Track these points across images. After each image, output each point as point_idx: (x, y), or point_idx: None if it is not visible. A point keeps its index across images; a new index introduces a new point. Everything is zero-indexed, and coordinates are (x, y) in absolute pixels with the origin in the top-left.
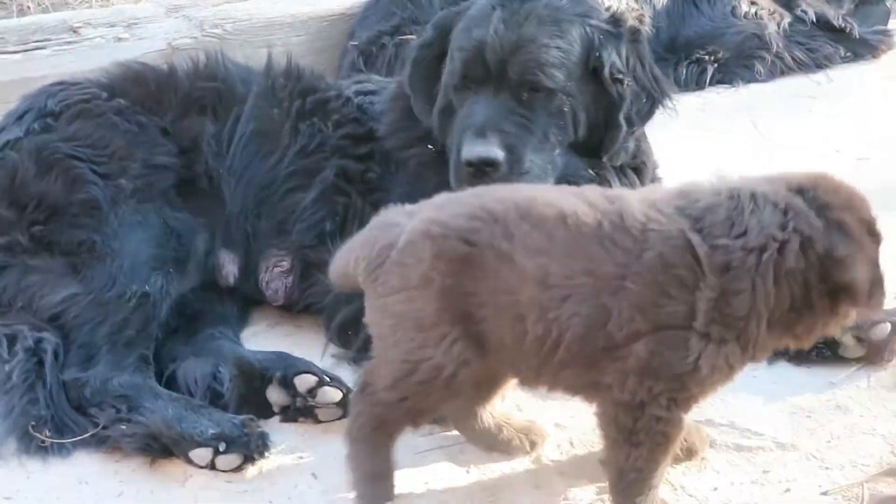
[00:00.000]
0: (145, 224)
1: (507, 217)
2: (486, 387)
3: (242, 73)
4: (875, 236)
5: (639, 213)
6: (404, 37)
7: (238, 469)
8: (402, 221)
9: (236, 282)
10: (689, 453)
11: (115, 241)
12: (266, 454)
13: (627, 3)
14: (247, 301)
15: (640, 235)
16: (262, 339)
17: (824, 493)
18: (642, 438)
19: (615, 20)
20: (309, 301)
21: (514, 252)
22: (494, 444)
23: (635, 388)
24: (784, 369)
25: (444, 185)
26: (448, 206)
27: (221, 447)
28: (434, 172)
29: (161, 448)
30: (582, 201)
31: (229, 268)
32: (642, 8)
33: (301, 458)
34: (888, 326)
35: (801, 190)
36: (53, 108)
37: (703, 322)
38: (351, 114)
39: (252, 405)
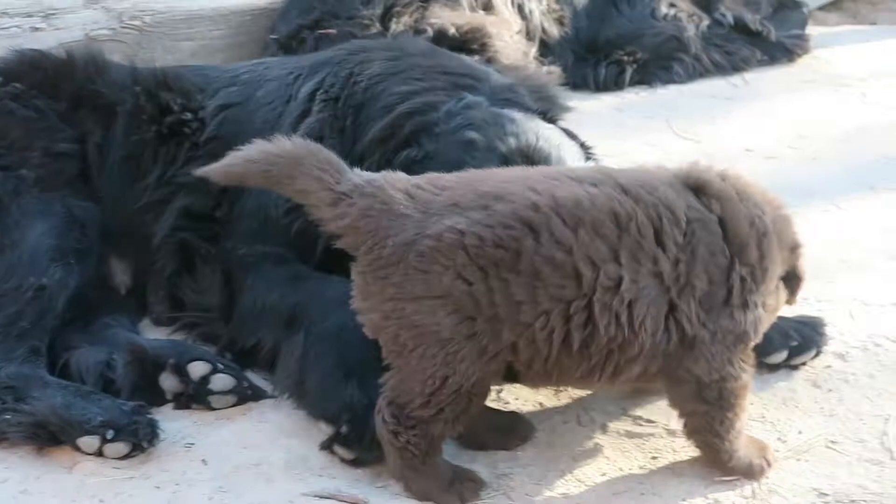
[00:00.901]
0: (48, 214)
1: (553, 225)
2: None
3: (123, 78)
4: None
5: (678, 202)
6: (324, 31)
7: (126, 456)
8: (412, 215)
9: (128, 291)
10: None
11: (15, 233)
12: (155, 442)
13: (548, 5)
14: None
15: (687, 228)
16: (163, 330)
17: (711, 484)
18: (731, 399)
19: None
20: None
21: (571, 260)
22: (486, 440)
23: (719, 365)
24: None
25: None
26: (474, 211)
27: (109, 435)
28: None
29: (49, 436)
30: (617, 192)
31: (121, 277)
32: (563, 9)
33: (192, 444)
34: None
35: None
36: None
37: (739, 298)
38: (203, 141)
39: (145, 392)
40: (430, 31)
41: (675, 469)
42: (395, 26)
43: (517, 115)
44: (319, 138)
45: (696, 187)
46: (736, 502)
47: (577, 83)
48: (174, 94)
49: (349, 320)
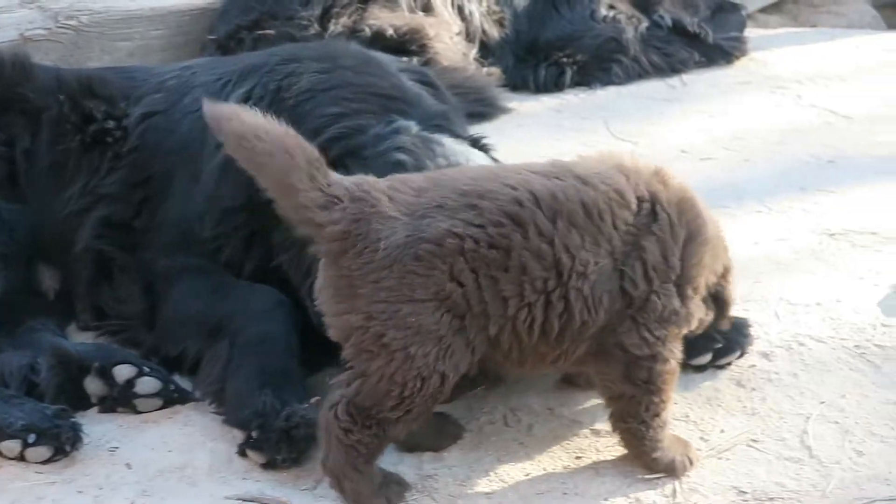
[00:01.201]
0: None
1: (538, 219)
2: None
3: (49, 83)
4: None
5: (628, 187)
6: (263, 31)
7: (49, 461)
8: (400, 217)
9: (56, 296)
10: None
11: None
12: (78, 445)
13: (488, 6)
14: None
15: (638, 208)
16: (90, 335)
17: (633, 483)
18: (659, 384)
19: None
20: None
21: (553, 251)
22: (417, 442)
23: (652, 339)
24: None
25: None
26: (464, 211)
27: (31, 439)
28: None
29: None
30: (581, 184)
31: (49, 283)
32: (503, 11)
33: (116, 448)
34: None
35: None
36: None
37: (681, 279)
38: (126, 151)
39: (70, 396)
40: (369, 32)
41: (597, 468)
42: (334, 27)
43: (447, 140)
44: None
45: (661, 179)
46: (657, 501)
47: (518, 84)
48: (98, 101)
49: (272, 330)
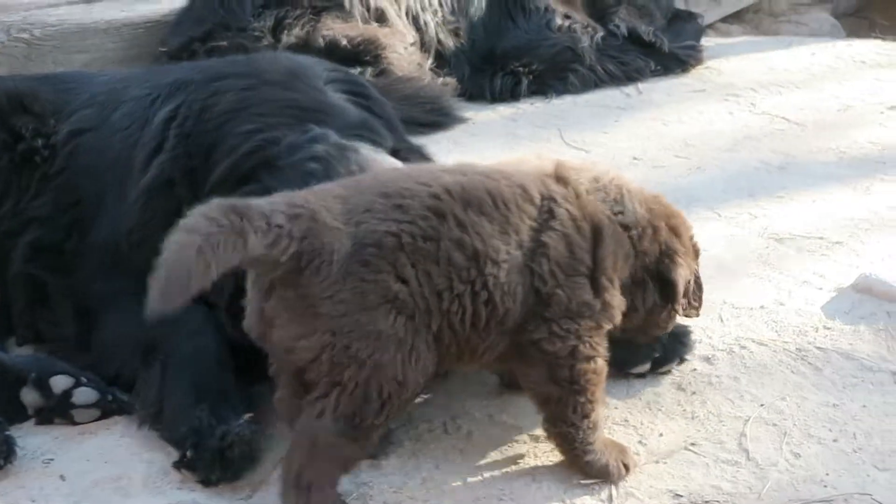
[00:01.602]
0: None
1: (454, 209)
2: None
3: None
4: (697, 252)
5: (532, 183)
6: (216, 43)
7: None
8: (341, 227)
9: None
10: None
11: None
12: (12, 459)
13: (444, 17)
14: None
15: (542, 204)
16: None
17: (570, 489)
18: (583, 383)
19: None
20: None
21: (470, 239)
22: None
23: (563, 334)
24: None
25: None
26: (392, 212)
27: None
28: None
29: None
30: (485, 177)
31: None
32: (458, 21)
33: (51, 460)
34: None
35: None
36: None
37: (594, 273)
38: (54, 172)
39: (6, 407)
40: (322, 43)
41: (535, 474)
42: (287, 38)
43: (364, 148)
44: (170, 181)
45: (558, 177)
46: None
47: (474, 94)
48: (28, 119)
49: (204, 345)
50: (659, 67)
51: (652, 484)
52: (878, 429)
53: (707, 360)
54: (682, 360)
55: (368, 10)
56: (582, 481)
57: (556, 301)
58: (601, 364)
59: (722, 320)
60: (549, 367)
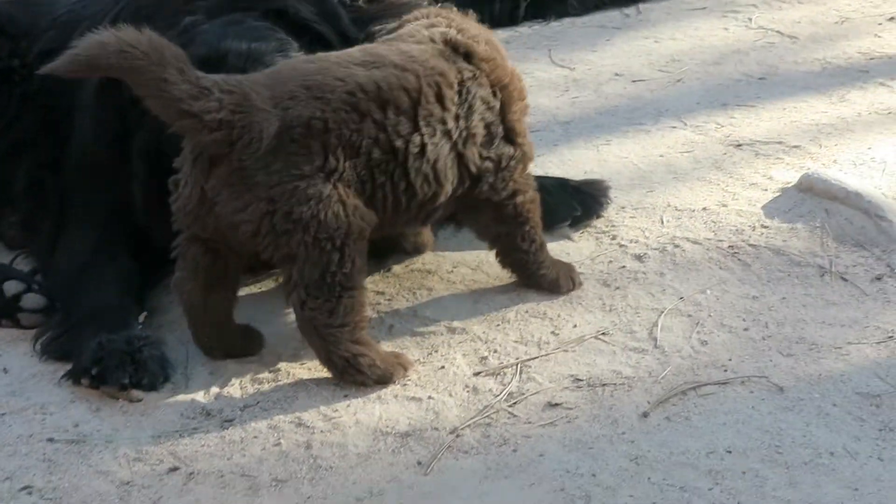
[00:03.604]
0: None
1: (371, 110)
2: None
3: None
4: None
5: (449, 68)
6: None
7: None
8: (269, 109)
9: None
10: (417, 249)
11: None
12: None
13: None
14: None
15: (461, 88)
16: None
17: (476, 374)
18: (525, 214)
19: None
20: None
21: (387, 137)
22: (231, 349)
23: (504, 184)
24: (481, 273)
25: None
26: (312, 101)
27: None
28: None
29: None
30: (399, 70)
31: None
32: None
33: None
34: None
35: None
36: None
37: (508, 129)
38: (33, 91)
39: None
40: None
41: (448, 361)
42: None
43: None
44: (112, 81)
45: (466, 54)
46: (493, 388)
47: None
48: (3, 41)
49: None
50: None
51: (556, 370)
52: (791, 318)
53: (638, 258)
54: (598, 216)
55: None
56: (486, 369)
57: (487, 169)
58: (533, 193)
59: (662, 222)
60: (495, 211)
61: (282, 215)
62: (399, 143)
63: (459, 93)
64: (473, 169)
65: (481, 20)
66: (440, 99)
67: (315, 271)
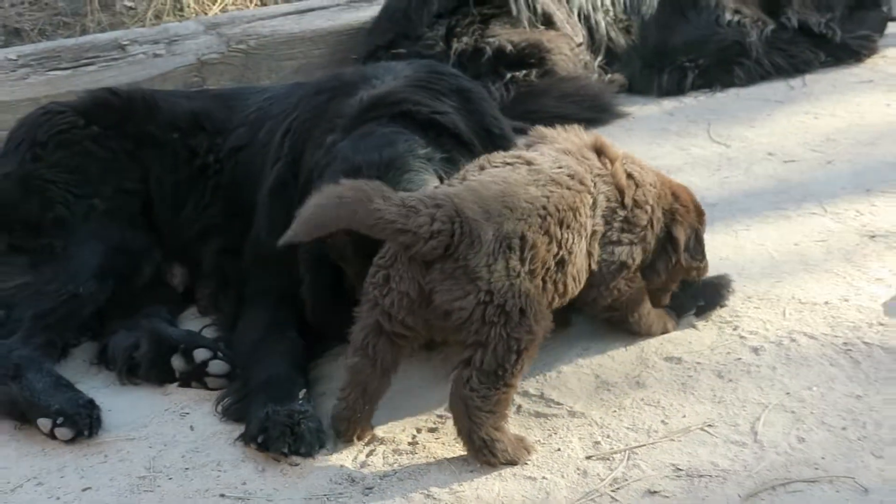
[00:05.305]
0: (105, 238)
1: (551, 229)
2: None
3: (169, 120)
4: (700, 213)
5: (586, 172)
6: (396, 51)
7: (73, 440)
8: (480, 220)
9: (185, 289)
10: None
11: (73, 248)
12: (97, 431)
13: (616, 15)
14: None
15: (594, 189)
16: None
17: (588, 458)
18: (632, 306)
19: None
20: None
21: (559, 251)
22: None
23: (608, 292)
24: (607, 358)
25: None
26: (517, 219)
27: (59, 420)
28: None
29: (20, 414)
30: (562, 188)
31: (179, 279)
32: (630, 18)
33: (186, 413)
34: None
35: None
36: (42, 139)
37: (617, 234)
38: (225, 184)
39: (159, 370)
40: (489, 50)
41: (562, 444)
42: (457, 45)
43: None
44: (284, 183)
45: (597, 149)
46: (601, 472)
47: (644, 89)
48: (202, 137)
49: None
50: (830, 58)
51: (660, 458)
52: (890, 420)
53: (755, 350)
54: (722, 306)
55: (535, 14)
56: (594, 455)
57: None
58: (637, 288)
59: (784, 315)
60: (605, 307)
61: (495, 307)
62: (566, 255)
63: (592, 193)
64: (594, 265)
65: (651, 90)
66: (582, 207)
67: (494, 362)
